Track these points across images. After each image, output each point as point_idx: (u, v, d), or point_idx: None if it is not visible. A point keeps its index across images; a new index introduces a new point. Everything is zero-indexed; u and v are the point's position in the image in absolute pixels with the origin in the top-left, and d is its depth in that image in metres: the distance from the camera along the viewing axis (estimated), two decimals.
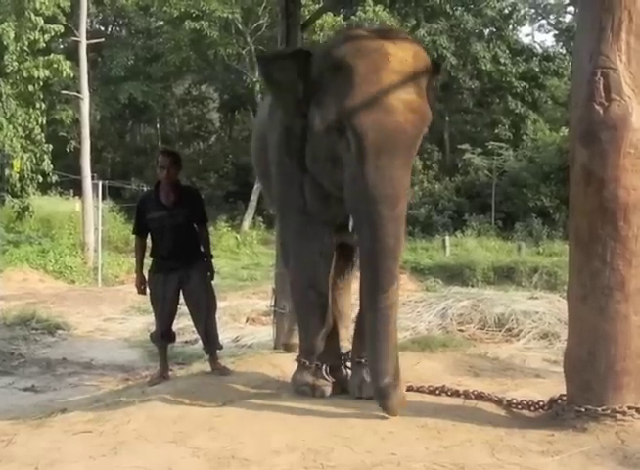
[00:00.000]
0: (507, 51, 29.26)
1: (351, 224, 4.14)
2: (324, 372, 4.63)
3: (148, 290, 5.78)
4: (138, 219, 5.83)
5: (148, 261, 5.84)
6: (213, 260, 5.91)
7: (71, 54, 19.96)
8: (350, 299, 5.72)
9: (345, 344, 5.18)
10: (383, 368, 3.94)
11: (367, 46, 4.02)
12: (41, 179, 16.83)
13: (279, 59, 4.59)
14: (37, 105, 16.94)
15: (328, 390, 4.57)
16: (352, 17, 26.24)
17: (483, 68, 28.35)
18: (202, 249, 5.79)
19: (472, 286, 14.86)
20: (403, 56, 3.98)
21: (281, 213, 4.97)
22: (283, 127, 4.56)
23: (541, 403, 4.02)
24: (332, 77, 4.06)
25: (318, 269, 4.66)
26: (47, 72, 16.75)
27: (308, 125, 4.25)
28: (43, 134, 17.04)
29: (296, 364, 4.78)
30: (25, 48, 16.62)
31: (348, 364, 4.74)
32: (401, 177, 3.93)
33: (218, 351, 5.77)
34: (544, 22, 39.15)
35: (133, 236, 6.05)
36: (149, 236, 5.81)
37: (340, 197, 4.23)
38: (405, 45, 4.07)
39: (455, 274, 16.22)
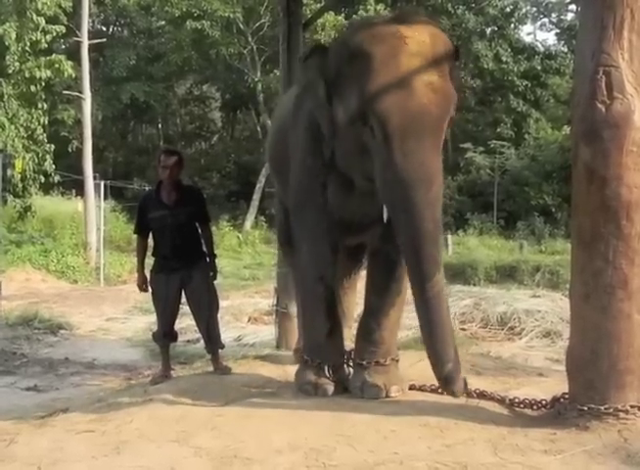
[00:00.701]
0: (509, 50, 29.28)
1: (385, 215, 4.06)
2: (327, 371, 4.59)
3: (150, 289, 5.78)
4: (139, 219, 5.83)
5: (149, 261, 5.84)
6: (216, 260, 5.91)
7: (73, 54, 19.97)
8: (355, 299, 5.73)
9: (348, 343, 5.19)
10: (444, 355, 3.84)
11: (382, 32, 3.98)
12: (43, 179, 16.81)
13: (300, 61, 4.58)
14: (39, 105, 16.94)
15: (330, 389, 4.53)
16: (354, 16, 26.22)
17: (485, 66, 28.36)
18: (203, 248, 5.78)
19: (474, 285, 14.84)
20: (420, 38, 3.91)
21: (297, 209, 4.86)
22: (308, 126, 4.51)
23: (544, 402, 4.02)
24: (350, 68, 4.02)
25: (329, 264, 4.64)
26: (49, 73, 16.73)
27: (334, 122, 4.20)
28: (45, 134, 17.02)
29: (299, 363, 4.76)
30: (27, 48, 16.60)
31: (351, 364, 4.72)
32: (431, 160, 3.87)
33: (220, 350, 5.77)
34: (546, 20, 39.08)
35: (135, 236, 6.05)
36: (150, 236, 5.82)
37: (365, 193, 4.23)
38: (422, 28, 3.99)
39: (457, 273, 16.20)
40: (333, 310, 4.70)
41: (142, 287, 5.82)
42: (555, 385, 4.29)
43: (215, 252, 5.92)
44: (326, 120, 4.26)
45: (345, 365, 4.74)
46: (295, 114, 4.74)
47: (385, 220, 4.10)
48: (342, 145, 4.26)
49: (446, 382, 3.90)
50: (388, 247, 4.50)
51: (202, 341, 6.18)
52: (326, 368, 4.60)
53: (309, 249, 4.70)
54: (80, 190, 19.77)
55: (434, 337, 3.87)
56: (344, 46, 4.12)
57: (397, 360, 4.67)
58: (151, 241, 5.84)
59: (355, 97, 3.95)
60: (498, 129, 28.29)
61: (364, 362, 4.56)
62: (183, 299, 5.79)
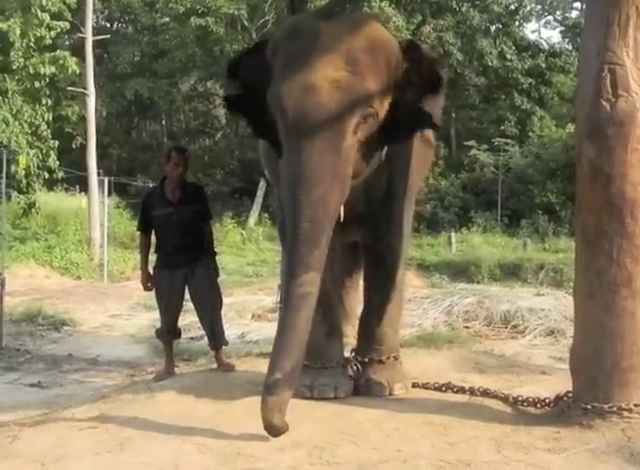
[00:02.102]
0: (513, 47, 29.17)
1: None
2: (327, 373, 4.50)
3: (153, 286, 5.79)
4: (143, 216, 5.83)
5: (152, 258, 5.84)
6: (217, 257, 5.91)
7: (77, 50, 19.94)
8: (358, 297, 5.73)
9: (352, 341, 5.19)
10: (277, 363, 3.60)
11: (301, 27, 3.97)
12: (47, 175, 16.81)
13: (245, 56, 4.45)
14: (43, 101, 16.94)
15: (328, 390, 4.42)
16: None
17: (490, 64, 28.27)
18: (206, 245, 5.78)
19: (477, 282, 14.85)
20: (337, 33, 3.84)
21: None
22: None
23: (547, 400, 4.03)
24: (273, 61, 4.00)
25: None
26: (53, 69, 16.73)
27: None
28: (49, 130, 17.02)
29: None
30: (31, 44, 16.60)
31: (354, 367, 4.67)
32: (321, 161, 3.69)
33: (224, 347, 5.77)
34: (550, 18, 39.02)
35: (138, 233, 6.05)
36: (153, 233, 5.81)
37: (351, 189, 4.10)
38: (345, 23, 3.93)
39: (461, 271, 16.21)
40: (331, 312, 4.63)
41: (146, 285, 5.82)
42: (558, 383, 4.29)
43: (217, 249, 5.92)
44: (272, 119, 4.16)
45: (349, 367, 4.66)
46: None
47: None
48: None
49: (265, 390, 3.58)
50: (380, 244, 4.56)
51: (205, 338, 6.18)
52: (326, 370, 4.51)
53: None
54: (84, 186, 19.76)
55: (277, 340, 3.69)
56: (272, 41, 4.12)
57: (399, 359, 4.65)
58: (154, 238, 5.85)
59: (269, 94, 3.92)
60: (502, 127, 28.21)
61: (367, 360, 4.54)
62: (186, 295, 5.79)
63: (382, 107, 3.96)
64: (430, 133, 5.03)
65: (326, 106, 3.71)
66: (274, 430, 3.52)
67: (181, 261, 5.60)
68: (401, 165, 4.56)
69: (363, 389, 4.47)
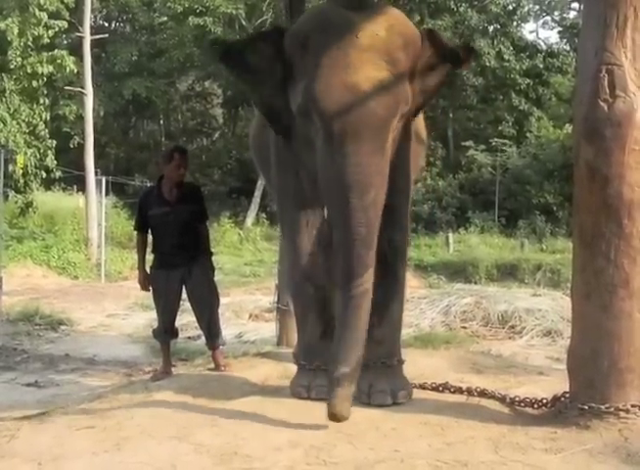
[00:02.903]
0: (511, 48, 29.22)
1: (325, 213, 4.03)
2: (323, 374, 4.30)
3: (150, 286, 5.78)
4: (140, 216, 5.82)
5: (150, 257, 5.84)
6: (214, 257, 5.91)
7: (75, 50, 19.96)
8: None
9: None
10: (344, 357, 3.70)
11: (333, 21, 3.83)
12: (45, 175, 16.80)
13: (253, 42, 4.33)
14: (41, 100, 16.92)
15: (325, 392, 4.14)
16: None
17: (487, 64, 28.30)
18: (202, 245, 5.78)
19: (475, 283, 14.89)
20: (374, 29, 3.76)
21: (279, 203, 4.79)
22: (267, 112, 4.37)
23: (544, 401, 4.02)
24: (300, 57, 3.90)
25: (316, 260, 4.46)
26: (51, 68, 16.72)
27: (289, 109, 4.08)
28: (47, 130, 17.01)
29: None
30: (29, 44, 16.60)
31: None
32: (370, 163, 3.70)
33: (221, 346, 5.77)
34: (548, 18, 39.03)
35: (135, 232, 6.04)
36: (150, 232, 5.81)
37: None
38: (378, 17, 3.84)
39: (458, 271, 16.24)
40: (325, 311, 4.49)
41: (143, 284, 5.81)
42: (555, 384, 4.29)
43: (213, 249, 5.92)
44: (282, 105, 4.13)
45: None
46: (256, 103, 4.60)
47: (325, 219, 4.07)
48: (297, 134, 4.17)
49: (332, 384, 3.70)
50: (383, 243, 4.25)
51: (202, 337, 6.19)
52: (322, 371, 4.34)
53: (292, 245, 4.57)
54: (82, 186, 19.78)
55: (342, 337, 3.77)
56: (297, 32, 3.99)
57: (402, 362, 4.52)
58: (150, 237, 5.84)
59: (302, 91, 3.84)
60: (500, 127, 28.26)
61: (369, 363, 4.31)
62: (184, 295, 5.79)
63: (411, 102, 3.99)
64: (422, 129, 5.03)
65: (374, 109, 3.68)
66: (339, 419, 3.64)
67: (178, 261, 5.60)
68: (401, 159, 4.44)
69: (365, 396, 4.27)
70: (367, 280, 3.76)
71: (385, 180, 3.81)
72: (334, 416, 3.62)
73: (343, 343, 3.75)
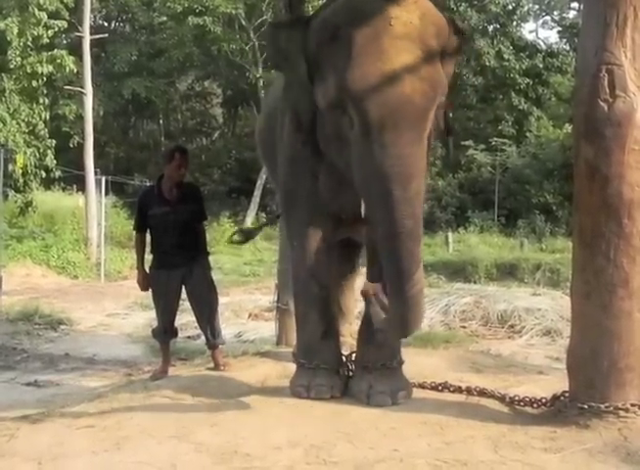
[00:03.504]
0: (511, 47, 29.20)
1: (364, 209, 3.88)
2: (323, 373, 4.41)
3: (150, 286, 5.78)
4: (139, 216, 5.82)
5: (149, 257, 5.84)
6: (213, 257, 5.91)
7: (75, 49, 19.94)
8: (354, 296, 5.69)
9: (349, 340, 5.17)
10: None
11: (365, 10, 3.70)
12: (44, 174, 16.78)
13: (281, 28, 4.24)
14: (40, 100, 16.91)
15: (325, 391, 4.34)
16: None
17: (487, 64, 28.29)
18: (201, 245, 5.78)
19: (474, 282, 14.85)
20: (408, 18, 3.63)
21: (288, 201, 4.67)
22: (293, 109, 4.23)
23: (544, 400, 4.02)
24: (330, 49, 3.77)
25: (321, 259, 4.44)
26: (50, 68, 16.70)
27: (315, 104, 3.95)
28: (46, 129, 16.99)
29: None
30: (29, 43, 16.58)
31: (350, 366, 4.61)
32: (412, 154, 3.56)
33: (221, 346, 5.77)
34: (548, 18, 39.05)
35: (134, 232, 6.03)
36: (148, 232, 5.81)
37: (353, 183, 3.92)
38: (410, 5, 3.69)
39: (458, 270, 16.20)
40: (327, 310, 4.54)
41: (142, 284, 5.81)
42: (555, 383, 4.29)
43: (211, 249, 5.93)
44: (307, 101, 4.00)
45: (344, 368, 4.59)
46: (284, 97, 4.41)
47: (362, 215, 3.94)
48: (324, 130, 4.03)
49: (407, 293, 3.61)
50: None
51: (202, 337, 6.19)
52: (322, 370, 4.42)
53: (299, 243, 4.50)
54: (81, 185, 19.76)
55: (401, 324, 3.69)
56: (326, 23, 3.85)
57: (402, 363, 4.52)
58: (149, 237, 5.84)
59: (334, 82, 3.70)
60: (499, 127, 28.23)
61: (369, 365, 4.40)
62: (183, 295, 5.79)
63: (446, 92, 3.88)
64: None
65: (412, 98, 3.56)
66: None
67: (178, 261, 5.60)
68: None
69: (364, 397, 4.29)
70: (420, 279, 3.62)
71: (424, 171, 3.72)
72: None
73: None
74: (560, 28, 36.49)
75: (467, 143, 26.76)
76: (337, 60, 3.71)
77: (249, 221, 25.84)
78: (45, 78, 16.92)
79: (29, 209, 17.04)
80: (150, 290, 5.80)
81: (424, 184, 3.72)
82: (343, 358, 4.66)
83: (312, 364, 4.45)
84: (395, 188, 3.52)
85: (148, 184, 15.19)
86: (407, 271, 3.55)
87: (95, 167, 19.05)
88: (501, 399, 4.23)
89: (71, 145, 20.81)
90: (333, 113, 3.83)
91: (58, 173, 17.62)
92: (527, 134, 27.80)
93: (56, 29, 17.25)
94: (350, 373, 4.59)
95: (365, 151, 3.63)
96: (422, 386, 4.51)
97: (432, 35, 3.72)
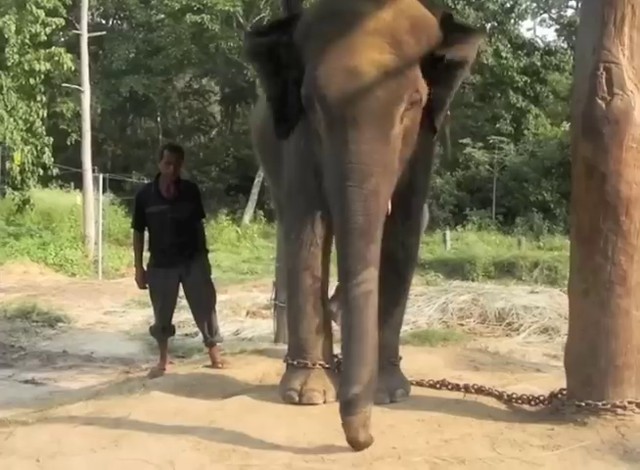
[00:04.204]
0: (508, 45, 29.20)
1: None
2: (316, 375, 4.28)
3: (148, 284, 5.78)
4: (137, 214, 5.82)
5: (146, 255, 5.84)
6: (211, 255, 5.91)
7: (72, 47, 19.94)
8: None
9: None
10: (353, 374, 3.37)
11: (336, 6, 3.68)
12: (42, 172, 16.81)
13: (265, 33, 4.17)
14: (38, 98, 16.91)
15: (317, 396, 4.17)
16: None
17: (485, 62, 28.26)
18: (199, 243, 5.78)
19: (472, 280, 14.86)
20: (379, 14, 3.57)
21: (290, 195, 4.55)
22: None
23: (541, 398, 4.03)
24: (307, 46, 3.73)
25: (316, 252, 4.32)
26: (48, 65, 16.71)
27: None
28: (44, 127, 17.01)
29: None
30: (27, 41, 16.58)
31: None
32: (372, 150, 3.47)
33: (219, 343, 5.77)
34: (546, 16, 39.02)
35: (132, 230, 6.04)
36: (146, 230, 5.81)
37: None
38: (385, 1, 3.63)
39: (456, 268, 16.21)
40: (321, 304, 4.40)
41: (140, 283, 5.81)
42: (553, 381, 4.30)
43: (210, 247, 5.92)
44: (293, 103, 3.92)
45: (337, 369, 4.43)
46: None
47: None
48: (307, 127, 3.97)
49: (344, 408, 3.37)
50: (394, 244, 4.21)
51: (200, 334, 6.19)
52: (314, 371, 4.29)
53: (297, 237, 4.38)
54: (79, 183, 19.76)
55: (349, 349, 3.44)
56: (302, 22, 3.84)
57: (399, 363, 4.48)
58: (147, 235, 5.84)
59: (306, 79, 3.69)
60: (497, 125, 28.24)
61: None
62: (181, 293, 5.79)
63: (425, 90, 3.76)
64: None
65: (374, 92, 3.47)
66: (361, 445, 3.35)
67: (176, 259, 5.60)
68: (426, 156, 4.32)
69: None
70: (369, 279, 3.46)
71: (389, 171, 3.60)
72: (355, 443, 3.34)
73: (351, 357, 3.42)
74: (558, 26, 36.50)
75: (465, 141, 26.82)
76: (311, 56, 3.69)
77: (247, 219, 25.84)
78: (43, 76, 16.93)
79: (27, 206, 17.06)
80: (147, 288, 5.80)
81: (386, 185, 3.59)
82: (341, 356, 4.63)
83: (304, 364, 4.32)
84: (351, 184, 3.45)
85: (146, 182, 15.19)
86: (352, 270, 3.45)
87: (93, 165, 19.05)
88: (499, 396, 4.23)
89: (69, 142, 20.82)
90: (309, 110, 3.78)
91: (55, 171, 17.64)
92: (525, 132, 27.84)
93: (53, 27, 17.24)
94: None
95: (329, 146, 3.59)
96: (420, 384, 4.52)
97: (406, 31, 3.63)
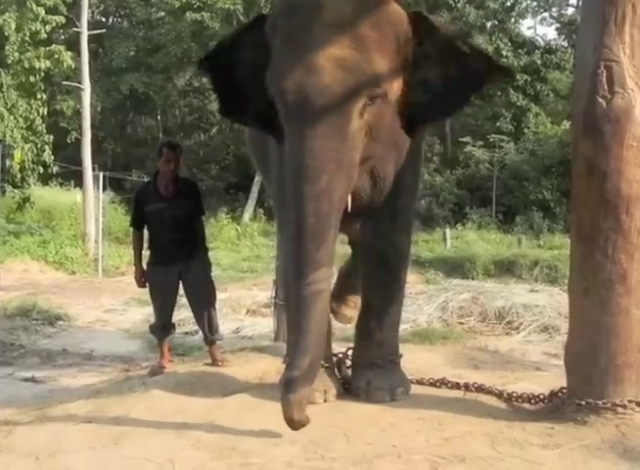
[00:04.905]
0: (509, 44, 29.17)
1: (350, 203, 3.71)
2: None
3: (147, 282, 5.78)
4: (136, 212, 5.82)
5: (146, 253, 5.84)
6: (211, 253, 5.90)
7: (73, 45, 19.93)
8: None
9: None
10: (296, 361, 3.40)
11: (301, 2, 3.64)
12: (42, 170, 16.81)
13: (242, 34, 4.13)
14: (38, 96, 16.91)
15: (317, 396, 4.13)
16: None
17: None
18: (199, 241, 5.77)
19: (472, 279, 14.85)
20: (340, 7, 3.49)
21: (280, 195, 4.40)
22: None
23: (541, 396, 4.03)
24: (272, 41, 3.68)
25: None
26: (48, 63, 16.72)
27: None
28: (44, 125, 17.01)
29: None
30: (27, 39, 16.59)
31: (347, 364, 4.58)
32: (325, 147, 3.39)
33: (219, 341, 5.77)
34: (546, 14, 38.90)
35: (131, 228, 6.03)
36: (146, 228, 5.81)
37: None
38: None
39: (456, 267, 16.21)
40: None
41: (140, 281, 5.80)
42: (553, 379, 4.30)
43: (210, 245, 5.92)
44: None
45: (337, 368, 4.53)
46: None
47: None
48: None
49: (283, 388, 3.44)
50: (384, 243, 4.29)
51: (199, 332, 6.18)
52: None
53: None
54: (79, 181, 19.74)
55: (292, 343, 3.52)
56: (270, 18, 3.82)
57: (399, 361, 4.49)
58: (146, 233, 5.84)
59: (268, 75, 3.63)
60: (497, 123, 28.22)
61: (367, 361, 4.35)
62: (181, 291, 5.78)
63: (392, 87, 3.66)
64: None
65: (329, 87, 3.39)
66: (296, 424, 3.39)
67: (175, 257, 5.59)
68: (412, 154, 4.26)
69: (363, 393, 4.26)
70: (319, 280, 3.39)
71: (344, 169, 3.49)
72: (290, 421, 3.39)
73: (294, 349, 3.46)
74: (558, 25, 36.42)
75: (465, 139, 26.81)
76: (275, 52, 3.65)
77: (246, 217, 25.83)
78: (43, 74, 16.94)
79: (27, 204, 17.06)
80: (147, 286, 5.80)
81: (341, 184, 3.50)
82: (341, 355, 4.65)
83: None
84: (302, 182, 3.40)
85: (146, 180, 15.19)
86: (301, 270, 3.39)
87: (93, 163, 19.02)
88: (499, 395, 4.23)
89: (69, 140, 20.81)
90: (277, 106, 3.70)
91: (55, 169, 17.66)
92: (525, 131, 27.80)
93: (54, 25, 17.26)
94: (349, 370, 4.55)
95: (286, 143, 3.55)
96: (420, 382, 4.52)
97: (367, 25, 3.54)
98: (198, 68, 4.40)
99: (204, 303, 5.71)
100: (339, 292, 5.41)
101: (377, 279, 4.46)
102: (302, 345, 3.39)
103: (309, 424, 3.42)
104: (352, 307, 5.38)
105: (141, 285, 5.85)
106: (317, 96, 3.40)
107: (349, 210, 3.67)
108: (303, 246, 3.38)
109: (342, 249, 6.20)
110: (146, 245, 5.89)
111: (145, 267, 5.78)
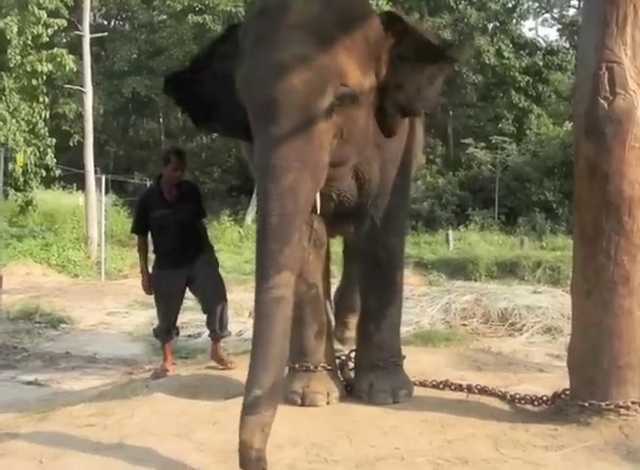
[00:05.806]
0: (510, 45, 29.18)
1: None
2: (318, 378, 4.29)
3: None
4: (140, 218, 5.80)
5: (151, 257, 5.84)
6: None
7: (75, 48, 19.94)
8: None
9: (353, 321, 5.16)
10: (255, 379, 3.16)
11: (269, 5, 3.69)
12: (44, 173, 16.79)
13: (218, 43, 4.20)
14: (40, 99, 16.90)
15: (320, 398, 4.20)
16: None
17: (487, 62, 28.26)
18: (202, 242, 5.77)
19: (475, 280, 14.83)
20: (307, 8, 3.53)
21: None
22: None
23: (545, 398, 4.03)
24: (244, 44, 3.70)
25: (307, 258, 4.23)
26: (50, 66, 16.69)
27: None
28: (46, 128, 16.98)
29: None
30: (29, 42, 16.56)
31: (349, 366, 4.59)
32: (290, 146, 3.37)
33: (222, 344, 5.76)
34: (548, 16, 38.93)
35: (136, 235, 6.00)
36: (150, 233, 5.80)
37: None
38: None
39: (458, 268, 16.20)
40: (319, 311, 4.38)
41: (147, 288, 5.79)
42: (556, 381, 4.30)
43: (211, 245, 5.93)
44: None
45: (340, 370, 4.53)
46: None
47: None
48: None
49: (244, 411, 3.17)
50: (376, 246, 4.31)
51: (203, 335, 6.18)
52: (316, 374, 4.30)
53: None
54: (81, 184, 19.74)
55: (253, 354, 3.25)
56: (243, 24, 3.88)
57: (401, 363, 4.49)
58: (150, 238, 5.84)
59: (237, 77, 3.64)
60: (499, 125, 28.23)
61: (370, 364, 4.35)
62: (186, 294, 5.78)
63: (362, 87, 3.65)
64: (418, 125, 4.71)
65: (294, 86, 3.38)
66: (252, 453, 3.11)
67: (181, 261, 5.60)
68: (400, 154, 4.29)
69: (365, 396, 4.27)
70: (280, 285, 3.24)
71: (310, 168, 3.45)
72: (245, 449, 3.12)
73: (255, 361, 3.21)
74: (560, 26, 36.42)
75: (467, 141, 26.79)
76: (246, 54, 3.65)
77: (249, 220, 25.83)
78: (45, 77, 16.91)
79: (30, 207, 17.06)
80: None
81: (307, 182, 3.44)
82: (344, 357, 4.65)
83: (305, 367, 4.32)
84: (267, 181, 3.36)
85: (148, 183, 15.20)
86: (264, 273, 3.27)
87: (95, 166, 19.02)
88: (502, 396, 4.23)
89: (71, 144, 20.83)
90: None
91: (58, 172, 17.64)
92: (527, 132, 27.79)
93: (55, 28, 17.22)
94: (352, 373, 4.55)
95: (255, 142, 3.53)
96: (423, 384, 4.52)
97: (334, 24, 3.55)
98: (163, 91, 4.44)
99: (216, 299, 5.66)
100: (338, 317, 5.43)
101: (372, 282, 4.48)
102: (265, 359, 3.19)
103: (312, 427, 3.42)
104: (354, 329, 5.37)
105: (148, 292, 5.83)
106: (283, 95, 3.39)
107: (319, 212, 3.69)
108: (266, 245, 3.29)
109: (339, 249, 6.25)
110: (151, 248, 5.88)
111: (150, 271, 5.78)
